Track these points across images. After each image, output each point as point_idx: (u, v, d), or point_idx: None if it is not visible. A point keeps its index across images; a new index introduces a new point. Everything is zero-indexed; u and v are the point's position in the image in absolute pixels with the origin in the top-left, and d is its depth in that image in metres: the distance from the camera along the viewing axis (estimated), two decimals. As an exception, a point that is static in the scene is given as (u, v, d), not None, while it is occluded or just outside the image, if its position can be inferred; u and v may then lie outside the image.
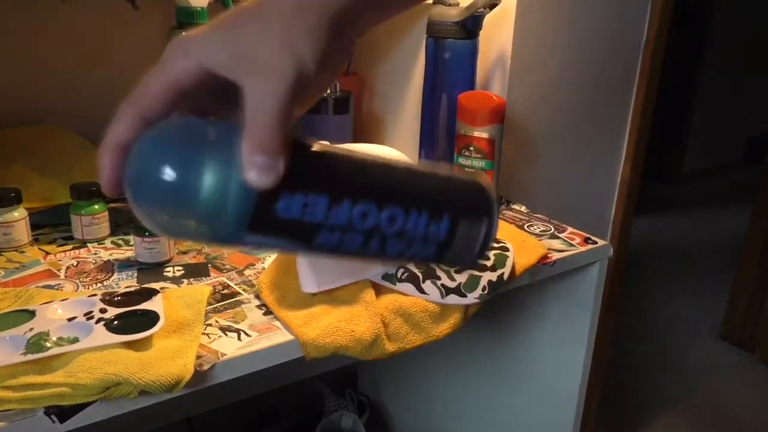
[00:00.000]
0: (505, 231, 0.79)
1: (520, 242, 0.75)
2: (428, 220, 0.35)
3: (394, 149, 1.07)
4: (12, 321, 0.55)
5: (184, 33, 0.42)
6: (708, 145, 3.57)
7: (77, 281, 0.66)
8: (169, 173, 0.30)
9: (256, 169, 0.30)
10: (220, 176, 0.30)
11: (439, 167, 0.38)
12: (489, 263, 0.67)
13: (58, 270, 0.68)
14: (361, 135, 0.91)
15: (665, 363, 1.98)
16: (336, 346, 0.57)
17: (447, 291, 0.65)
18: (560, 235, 0.84)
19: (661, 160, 3.37)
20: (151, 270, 0.69)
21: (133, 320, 0.55)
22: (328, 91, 0.95)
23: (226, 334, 0.57)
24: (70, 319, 0.55)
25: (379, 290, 0.65)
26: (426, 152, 1.00)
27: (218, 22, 0.34)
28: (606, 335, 1.32)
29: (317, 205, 0.31)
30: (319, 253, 0.34)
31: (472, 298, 0.64)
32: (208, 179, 0.30)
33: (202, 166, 0.30)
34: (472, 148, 0.91)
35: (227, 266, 0.71)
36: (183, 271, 0.69)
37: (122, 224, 0.81)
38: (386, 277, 0.64)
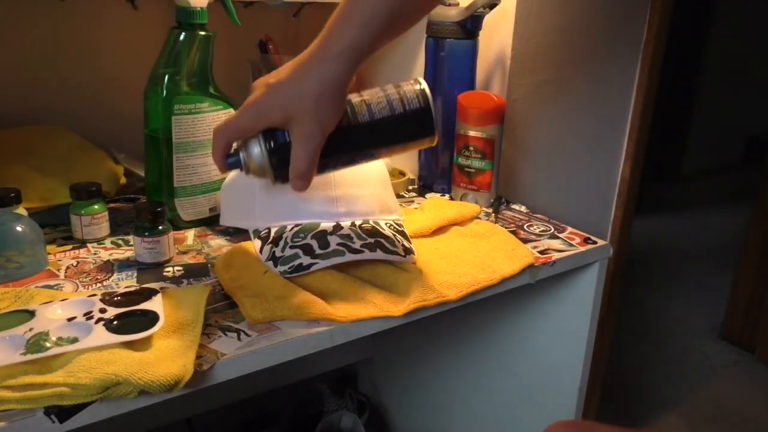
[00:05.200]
0: (497, 237, 0.79)
1: (509, 251, 0.75)
2: (386, 150, 0.66)
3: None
4: (12, 321, 0.55)
5: (260, 80, 0.62)
6: (708, 145, 3.57)
7: (77, 281, 0.66)
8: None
9: (294, 185, 0.61)
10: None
11: (392, 103, 0.63)
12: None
13: (58, 270, 0.68)
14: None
15: (665, 363, 1.98)
16: (276, 309, 0.60)
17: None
18: (560, 235, 0.84)
19: (661, 160, 3.37)
20: (151, 270, 0.69)
21: (132, 320, 0.55)
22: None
23: (226, 334, 0.57)
24: (69, 319, 0.55)
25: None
26: (426, 152, 1.00)
27: (279, 86, 0.59)
28: (606, 335, 1.32)
29: (326, 169, 0.64)
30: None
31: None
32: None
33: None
34: (471, 148, 0.91)
35: (227, 266, 0.71)
36: (183, 271, 0.69)
37: (122, 224, 0.81)
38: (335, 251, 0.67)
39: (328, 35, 0.60)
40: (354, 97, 0.64)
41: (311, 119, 0.58)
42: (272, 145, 0.61)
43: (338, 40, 0.59)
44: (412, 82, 0.65)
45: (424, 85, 0.64)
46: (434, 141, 0.66)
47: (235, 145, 0.63)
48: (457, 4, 0.92)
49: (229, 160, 0.62)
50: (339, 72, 0.58)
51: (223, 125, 0.61)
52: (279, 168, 0.61)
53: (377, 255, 0.67)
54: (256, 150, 0.61)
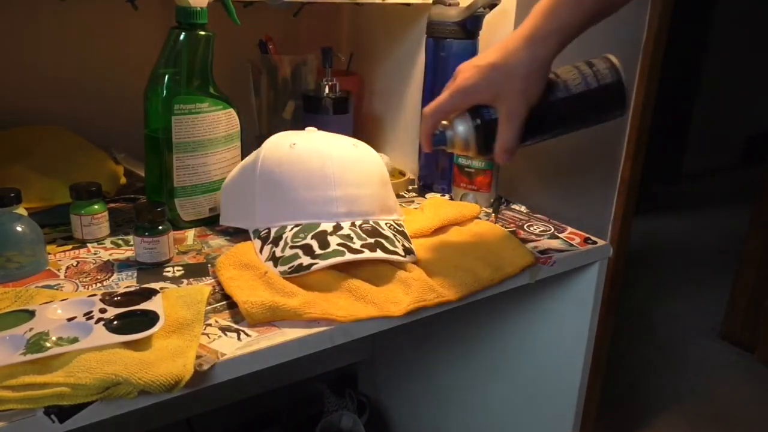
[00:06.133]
0: (497, 237, 0.79)
1: (509, 251, 0.75)
2: (581, 126, 0.70)
3: (384, 154, 1.07)
4: (12, 321, 0.55)
5: (466, 64, 0.67)
6: (708, 145, 3.57)
7: (77, 281, 0.66)
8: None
9: (501, 158, 0.66)
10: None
11: (586, 78, 0.66)
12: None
13: (58, 270, 0.68)
14: (361, 135, 0.91)
15: (665, 363, 1.98)
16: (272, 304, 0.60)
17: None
18: (560, 235, 0.84)
19: (661, 160, 3.37)
20: (151, 270, 0.69)
21: (132, 320, 0.55)
22: (327, 91, 0.95)
23: (226, 334, 0.57)
24: (69, 319, 0.55)
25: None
26: (426, 152, 1.00)
27: (488, 68, 0.64)
28: (606, 335, 1.32)
29: (525, 142, 0.68)
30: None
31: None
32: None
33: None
34: (472, 148, 0.90)
35: (227, 266, 0.71)
36: (183, 271, 0.69)
37: (122, 224, 0.81)
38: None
39: (538, 16, 0.63)
40: (550, 75, 0.67)
41: (518, 97, 0.63)
42: (479, 121, 0.66)
43: (548, 22, 0.62)
44: (602, 58, 0.68)
45: (615, 60, 0.67)
46: (624, 113, 0.69)
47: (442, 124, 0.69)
48: (457, 4, 0.92)
49: (435, 139, 0.68)
50: (547, 53, 0.63)
51: (432, 106, 0.67)
52: (485, 142, 0.66)
53: (377, 255, 0.67)
54: (462, 127, 0.67)
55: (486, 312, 1.01)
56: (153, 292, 0.60)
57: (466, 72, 0.65)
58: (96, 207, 0.75)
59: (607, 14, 0.66)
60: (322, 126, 0.81)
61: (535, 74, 0.63)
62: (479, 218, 0.87)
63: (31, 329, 0.53)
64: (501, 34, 0.95)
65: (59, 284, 0.65)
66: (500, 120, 0.65)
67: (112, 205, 0.84)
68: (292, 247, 0.68)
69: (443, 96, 0.67)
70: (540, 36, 0.62)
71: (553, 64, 0.65)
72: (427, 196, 0.98)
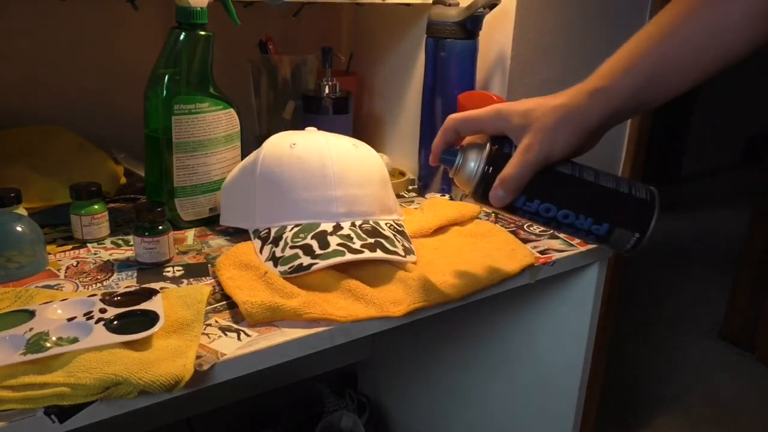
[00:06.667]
0: (497, 237, 0.79)
1: (509, 251, 0.75)
2: (592, 223, 0.59)
3: (384, 154, 1.07)
4: (12, 321, 0.55)
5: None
6: (708, 145, 3.57)
7: (77, 281, 0.66)
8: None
9: (495, 195, 0.58)
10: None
11: (620, 183, 0.60)
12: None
13: (58, 270, 0.68)
14: (361, 135, 0.91)
15: (665, 362, 1.98)
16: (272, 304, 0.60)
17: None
18: (560, 235, 0.84)
19: (661, 160, 3.37)
20: (151, 270, 0.69)
21: (132, 320, 0.55)
22: (327, 91, 0.95)
23: (226, 334, 0.57)
24: (69, 319, 0.55)
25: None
26: (426, 152, 1.00)
27: (530, 105, 0.59)
28: (605, 335, 1.32)
29: (530, 206, 0.59)
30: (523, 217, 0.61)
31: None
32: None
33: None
34: (472, 148, 0.90)
35: (227, 266, 0.71)
36: (183, 271, 0.69)
37: (122, 224, 0.81)
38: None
39: (593, 75, 0.60)
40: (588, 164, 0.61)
41: (544, 133, 0.57)
42: (494, 150, 0.59)
43: (597, 79, 0.59)
44: (645, 185, 0.61)
45: (656, 192, 0.60)
46: (641, 241, 0.59)
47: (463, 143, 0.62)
48: (457, 4, 0.92)
49: (444, 155, 0.61)
50: (587, 107, 0.58)
51: (460, 115, 0.61)
52: (488, 176, 0.58)
53: (377, 255, 0.67)
54: (473, 163, 0.59)
55: (486, 312, 1.01)
56: (153, 292, 0.60)
57: (514, 103, 0.60)
58: (96, 207, 0.75)
59: (662, 98, 0.59)
60: (322, 126, 0.81)
61: (569, 124, 0.57)
62: (479, 218, 0.87)
63: (31, 329, 0.53)
64: (501, 34, 0.95)
65: (59, 284, 0.65)
66: (515, 152, 0.58)
67: (112, 205, 0.84)
68: (292, 247, 0.68)
69: (480, 111, 0.61)
70: (585, 90, 0.58)
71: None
72: (427, 196, 0.98)
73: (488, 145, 0.59)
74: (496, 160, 0.58)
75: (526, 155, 0.57)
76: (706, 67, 0.58)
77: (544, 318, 0.92)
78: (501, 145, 0.59)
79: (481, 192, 0.59)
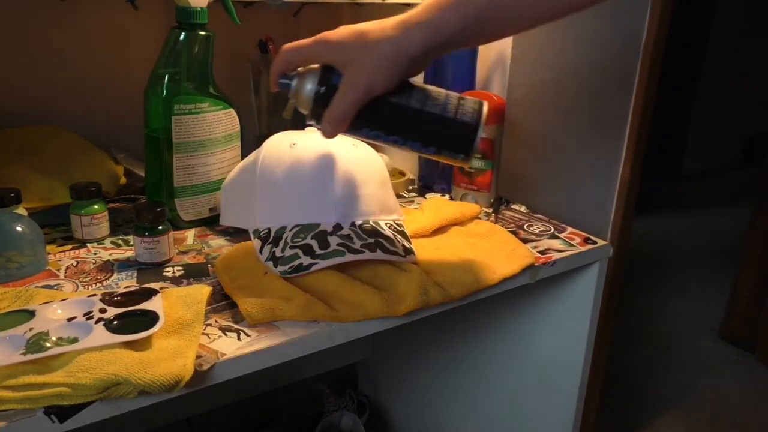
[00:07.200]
0: (497, 237, 0.79)
1: (509, 251, 0.75)
2: (420, 146, 0.65)
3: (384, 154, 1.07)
4: (11, 321, 0.55)
5: (346, 25, 0.62)
6: (708, 145, 3.56)
7: (77, 281, 0.66)
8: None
9: (324, 129, 0.62)
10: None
11: (447, 106, 0.63)
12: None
13: (58, 270, 0.69)
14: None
15: (665, 363, 1.98)
16: (273, 308, 0.60)
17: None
18: (560, 235, 0.84)
19: (661, 160, 3.37)
20: (151, 270, 0.69)
21: (132, 320, 0.55)
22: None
23: (226, 334, 0.57)
24: (69, 319, 0.55)
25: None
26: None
27: (357, 34, 0.60)
28: (606, 335, 1.32)
29: (360, 132, 0.65)
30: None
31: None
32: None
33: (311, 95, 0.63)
34: (471, 148, 0.90)
35: (227, 266, 0.71)
36: (183, 271, 0.69)
37: (122, 224, 0.81)
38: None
39: (419, 7, 0.60)
40: (417, 84, 0.64)
41: (363, 72, 0.59)
42: (325, 80, 0.62)
43: (422, 13, 0.59)
44: (476, 101, 0.65)
45: (485, 108, 0.64)
46: (467, 162, 0.66)
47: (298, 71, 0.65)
48: (457, 4, 0.92)
49: (281, 80, 0.64)
50: (409, 43, 0.59)
51: (292, 46, 0.63)
52: (319, 106, 0.62)
53: (377, 255, 0.67)
54: (309, 85, 0.62)
55: (486, 312, 1.01)
56: (153, 292, 0.60)
57: (340, 29, 0.62)
58: (96, 207, 0.75)
59: (487, 36, 0.63)
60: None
61: (388, 58, 0.59)
62: (479, 218, 0.87)
63: (31, 329, 0.53)
64: (501, 34, 0.95)
65: (59, 284, 0.65)
66: (338, 89, 0.61)
67: (112, 205, 0.84)
68: (292, 247, 0.68)
69: (307, 41, 0.62)
70: (409, 24, 0.59)
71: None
72: (427, 196, 0.98)
73: (320, 72, 0.62)
74: (330, 77, 0.62)
75: (348, 94, 0.60)
76: (537, 14, 0.60)
77: (544, 318, 0.92)
78: (330, 74, 0.62)
79: (318, 115, 0.63)
